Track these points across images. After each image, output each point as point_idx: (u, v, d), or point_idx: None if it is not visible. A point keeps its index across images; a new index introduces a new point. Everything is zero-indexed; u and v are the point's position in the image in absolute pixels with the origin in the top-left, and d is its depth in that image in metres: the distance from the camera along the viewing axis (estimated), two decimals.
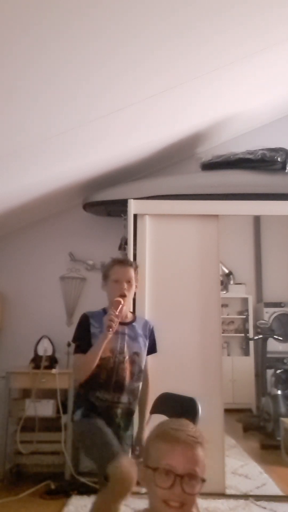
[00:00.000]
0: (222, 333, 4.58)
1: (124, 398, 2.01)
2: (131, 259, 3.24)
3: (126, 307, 2.09)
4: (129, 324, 2.12)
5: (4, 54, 1.62)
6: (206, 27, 2.08)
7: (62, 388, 3.32)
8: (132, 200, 3.33)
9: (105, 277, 2.14)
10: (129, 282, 2.08)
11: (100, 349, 1.93)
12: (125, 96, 2.40)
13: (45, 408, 3.31)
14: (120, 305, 1.97)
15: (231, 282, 6.03)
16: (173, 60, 2.26)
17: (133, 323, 2.14)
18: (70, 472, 3.21)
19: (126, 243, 3.41)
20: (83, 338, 2.03)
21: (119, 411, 2.00)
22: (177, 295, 3.28)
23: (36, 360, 3.41)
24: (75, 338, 2.07)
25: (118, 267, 2.11)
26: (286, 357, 5.07)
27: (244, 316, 6.08)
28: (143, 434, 2.13)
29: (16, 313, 3.78)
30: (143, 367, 2.12)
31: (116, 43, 1.87)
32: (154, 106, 2.70)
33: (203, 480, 1.07)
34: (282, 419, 3.92)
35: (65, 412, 3.29)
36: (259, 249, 6.08)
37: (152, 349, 2.22)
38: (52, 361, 3.44)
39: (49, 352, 3.45)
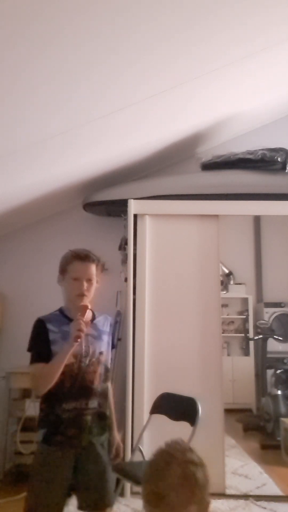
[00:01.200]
0: (222, 333, 4.58)
1: (93, 403, 1.82)
2: (131, 259, 3.24)
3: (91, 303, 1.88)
4: (90, 322, 1.92)
5: (3, 54, 1.62)
6: (206, 27, 2.08)
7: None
8: (132, 200, 3.33)
9: (63, 271, 1.92)
10: (90, 280, 1.87)
11: (65, 360, 1.73)
12: (125, 96, 2.40)
13: None
14: (87, 310, 1.80)
15: (231, 282, 6.03)
16: (173, 60, 2.26)
17: (95, 321, 1.94)
18: None
19: (126, 243, 3.41)
20: (41, 346, 1.80)
21: (88, 417, 1.80)
22: (177, 295, 3.28)
23: None
24: (31, 347, 1.83)
25: (78, 263, 1.88)
26: (286, 357, 5.07)
27: (244, 316, 6.08)
28: (115, 433, 1.97)
29: (16, 313, 3.78)
30: (108, 365, 1.93)
31: (116, 43, 1.87)
32: (154, 106, 2.70)
33: None
34: (282, 419, 3.92)
35: None
36: (259, 249, 6.08)
37: (112, 345, 2.00)
38: None
39: None
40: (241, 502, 2.90)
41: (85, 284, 1.86)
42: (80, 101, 2.24)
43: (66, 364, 1.75)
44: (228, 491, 3.02)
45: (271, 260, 6.03)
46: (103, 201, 3.54)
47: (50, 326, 1.84)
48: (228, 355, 5.99)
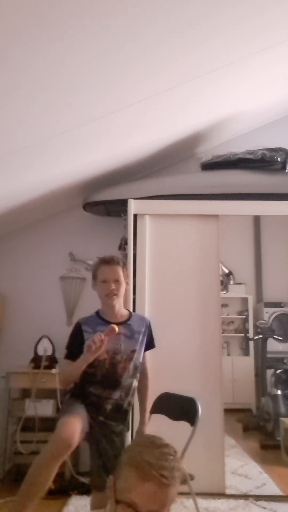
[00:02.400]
0: (222, 333, 4.59)
1: (116, 394, 2.05)
2: (131, 259, 3.24)
3: (119, 305, 2.12)
4: (124, 323, 2.13)
5: (3, 55, 1.62)
6: (206, 27, 2.08)
7: (61, 387, 3.32)
8: (132, 200, 3.33)
9: (94, 277, 2.16)
10: (117, 281, 2.09)
11: (81, 367, 1.96)
12: (125, 96, 2.40)
13: (45, 408, 3.31)
14: (114, 333, 1.98)
15: (231, 282, 6.03)
16: (173, 60, 2.26)
17: (129, 322, 2.14)
18: (70, 472, 3.20)
19: (126, 243, 3.41)
20: (73, 346, 2.08)
21: (108, 406, 2.04)
22: (177, 295, 3.28)
23: (36, 360, 3.41)
24: (67, 345, 2.13)
25: (105, 267, 2.11)
26: (286, 357, 5.07)
27: (244, 316, 6.08)
28: (144, 428, 2.20)
29: (16, 313, 3.78)
30: (138, 363, 2.14)
31: (115, 43, 1.87)
32: (154, 106, 2.70)
33: None
34: (282, 419, 3.92)
35: None
36: (259, 249, 6.08)
37: (150, 345, 2.24)
38: (52, 361, 3.43)
39: (49, 352, 3.45)
40: (241, 502, 2.90)
41: (113, 285, 2.07)
42: (80, 101, 2.24)
43: (99, 360, 2.00)
44: (228, 491, 3.02)
45: (271, 260, 6.03)
46: (103, 201, 3.53)
47: (85, 328, 2.09)
48: (228, 355, 5.99)
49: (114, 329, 1.98)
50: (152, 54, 2.11)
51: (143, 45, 2.01)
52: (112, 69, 2.07)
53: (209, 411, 2.83)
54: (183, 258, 3.34)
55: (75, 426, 1.83)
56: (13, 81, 1.81)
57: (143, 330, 2.17)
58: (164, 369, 3.15)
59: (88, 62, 1.93)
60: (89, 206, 3.65)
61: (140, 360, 2.15)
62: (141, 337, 2.15)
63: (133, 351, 2.10)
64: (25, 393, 3.44)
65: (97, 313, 2.16)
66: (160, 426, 2.53)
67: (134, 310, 3.21)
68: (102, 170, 3.41)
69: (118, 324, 2.08)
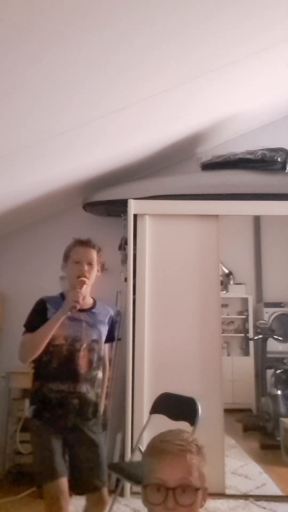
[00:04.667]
0: (222, 333, 4.58)
1: (82, 388, 1.90)
2: (131, 259, 3.24)
3: (86, 290, 1.97)
4: (87, 310, 2.01)
5: (4, 55, 1.62)
6: (206, 27, 2.08)
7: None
8: (132, 200, 3.33)
9: (66, 257, 2.06)
10: (90, 264, 1.98)
11: (53, 328, 1.84)
12: (125, 96, 2.40)
13: None
14: (85, 285, 1.90)
15: (231, 282, 6.03)
16: (173, 60, 2.26)
17: (93, 310, 2.02)
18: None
19: (126, 243, 3.41)
20: (35, 321, 1.92)
21: (75, 401, 1.89)
22: (177, 295, 3.28)
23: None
24: (28, 321, 1.96)
25: (80, 248, 2.01)
26: (286, 357, 5.07)
27: (244, 316, 6.08)
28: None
29: (16, 313, 3.77)
30: (101, 354, 2.00)
31: (115, 43, 1.87)
32: (154, 106, 2.70)
33: (198, 489, 1.00)
34: (282, 419, 3.92)
35: None
36: (259, 249, 6.08)
37: (110, 337, 2.09)
38: None
39: None
40: (241, 502, 2.90)
41: (86, 267, 1.97)
42: (80, 101, 2.24)
43: (55, 345, 1.87)
44: (228, 491, 3.02)
45: (271, 260, 6.03)
46: (103, 201, 3.53)
47: (49, 306, 1.95)
48: (228, 355, 5.99)
49: (84, 281, 1.90)
50: (152, 54, 2.11)
51: (143, 45, 2.01)
52: (112, 70, 2.07)
53: (209, 411, 2.83)
54: (183, 258, 3.34)
55: (62, 492, 1.74)
56: (13, 81, 1.81)
57: (106, 320, 2.05)
58: (164, 369, 3.15)
59: (88, 62, 1.93)
60: (89, 206, 3.65)
61: (104, 351, 2.03)
62: (103, 327, 2.03)
63: (95, 341, 1.97)
64: (25, 393, 3.43)
65: (62, 294, 2.04)
66: (160, 426, 2.53)
67: (134, 310, 3.21)
68: (102, 170, 3.41)
69: (83, 310, 1.97)
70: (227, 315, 6.08)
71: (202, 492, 1.02)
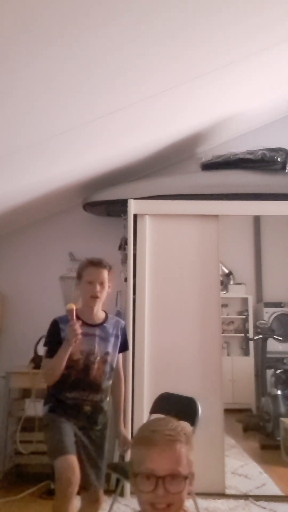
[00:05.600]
0: (222, 333, 4.58)
1: (96, 397, 2.06)
2: (131, 259, 3.24)
3: (97, 307, 2.13)
4: (100, 325, 2.14)
5: (3, 55, 1.62)
6: (206, 27, 2.08)
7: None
8: (132, 200, 3.33)
9: (79, 276, 2.16)
10: (102, 284, 2.10)
11: (64, 356, 1.97)
12: (125, 96, 2.40)
13: None
14: (73, 313, 2.01)
15: (231, 282, 6.03)
16: (173, 60, 2.26)
17: (104, 324, 2.16)
18: None
19: (126, 243, 3.41)
20: (51, 343, 2.07)
21: (88, 408, 2.05)
22: (177, 295, 3.28)
23: (36, 360, 3.41)
24: (46, 343, 2.12)
25: (92, 269, 2.12)
26: (286, 357, 5.07)
27: (244, 316, 6.08)
28: (122, 427, 2.21)
29: (16, 313, 3.78)
30: (113, 365, 2.15)
31: (115, 43, 1.87)
32: (154, 106, 2.70)
33: (186, 477, 1.05)
34: (282, 419, 3.92)
35: None
36: (259, 249, 6.08)
37: (124, 347, 2.24)
38: None
39: None
40: (241, 502, 2.90)
41: (98, 287, 2.09)
42: (80, 101, 2.24)
43: (73, 360, 2.02)
44: (228, 491, 3.02)
45: (271, 260, 6.03)
46: (103, 201, 3.53)
47: (62, 326, 2.07)
48: (228, 355, 5.99)
49: (71, 310, 2.02)
50: (152, 54, 2.11)
51: (142, 46, 2.01)
52: (112, 69, 2.07)
53: (209, 411, 2.83)
54: (183, 258, 3.34)
55: (72, 466, 1.84)
56: (13, 81, 1.81)
57: (117, 332, 2.19)
58: (164, 369, 3.15)
59: (88, 62, 1.93)
60: (89, 206, 3.65)
61: (115, 362, 2.17)
62: (114, 340, 2.16)
63: (107, 353, 2.11)
64: (25, 393, 3.44)
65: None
66: None
67: (134, 310, 3.21)
68: (102, 170, 3.41)
69: (95, 325, 2.11)
70: (227, 315, 6.08)
71: (191, 478, 1.07)
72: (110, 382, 2.14)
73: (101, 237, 3.85)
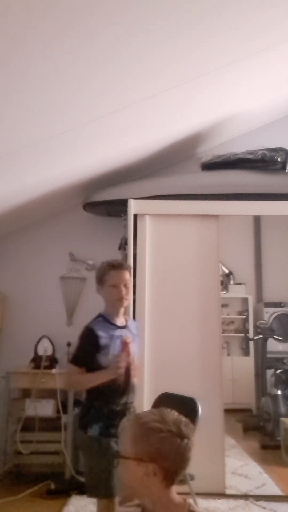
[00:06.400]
0: (222, 333, 4.58)
1: (132, 397, 2.08)
2: (131, 259, 3.24)
3: (123, 310, 2.14)
4: (125, 327, 2.14)
5: (5, 55, 1.62)
6: (206, 27, 2.08)
7: (62, 388, 3.32)
8: (132, 200, 3.32)
9: (101, 282, 2.12)
10: (126, 285, 2.10)
11: (99, 381, 1.95)
12: (125, 96, 2.40)
13: (45, 408, 3.31)
14: (127, 345, 1.98)
15: (231, 282, 6.02)
16: (173, 60, 2.26)
17: (128, 325, 2.17)
18: (70, 472, 3.20)
19: (126, 243, 3.41)
20: (85, 353, 2.01)
21: (132, 409, 2.08)
22: (177, 295, 3.28)
23: (36, 360, 3.41)
24: (78, 351, 2.06)
25: (114, 272, 2.10)
26: (286, 357, 5.07)
27: (244, 316, 6.08)
28: None
29: (16, 313, 3.78)
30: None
31: (116, 44, 1.87)
32: (154, 106, 2.70)
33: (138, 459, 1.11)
34: (282, 419, 3.92)
35: (65, 412, 3.28)
36: (259, 249, 6.08)
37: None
38: (52, 361, 3.44)
39: (49, 352, 3.45)
40: (241, 502, 2.90)
41: (123, 290, 2.08)
42: (81, 101, 2.24)
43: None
44: (228, 491, 3.02)
45: (271, 260, 6.03)
46: (103, 201, 3.53)
47: (100, 333, 2.02)
48: (228, 355, 5.99)
49: (127, 342, 1.99)
50: (152, 54, 2.11)
51: (143, 46, 2.01)
52: (112, 70, 2.07)
53: (209, 411, 2.83)
54: (183, 258, 3.34)
55: (114, 510, 1.88)
56: (14, 81, 1.81)
57: (137, 331, 2.22)
58: (164, 369, 3.15)
59: (89, 62, 1.93)
60: (89, 206, 3.65)
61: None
62: (137, 339, 2.19)
63: (134, 352, 2.11)
64: (25, 393, 3.44)
65: (103, 317, 2.12)
66: None
67: (134, 310, 3.21)
68: (102, 170, 3.41)
69: (123, 327, 2.11)
70: (227, 315, 6.08)
71: (152, 469, 1.10)
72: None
73: (101, 237, 3.85)
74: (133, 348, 2.09)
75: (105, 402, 2.00)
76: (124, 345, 1.98)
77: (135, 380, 2.12)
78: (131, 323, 2.21)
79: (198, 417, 2.24)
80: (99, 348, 1.99)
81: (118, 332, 2.03)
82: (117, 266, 2.12)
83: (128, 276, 2.12)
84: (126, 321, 2.18)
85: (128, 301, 2.14)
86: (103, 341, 2.01)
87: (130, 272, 2.16)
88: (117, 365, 1.93)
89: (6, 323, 3.75)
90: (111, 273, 2.10)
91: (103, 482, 1.89)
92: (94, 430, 1.97)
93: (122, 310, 2.12)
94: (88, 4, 1.55)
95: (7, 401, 3.35)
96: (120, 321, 2.11)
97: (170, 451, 1.10)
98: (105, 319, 2.09)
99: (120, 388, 2.02)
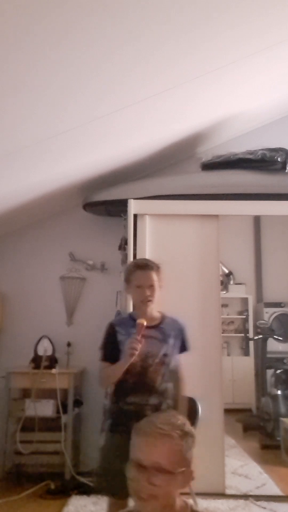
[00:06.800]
0: (222, 333, 4.58)
1: (154, 400, 2.00)
2: (131, 259, 3.24)
3: (151, 309, 2.10)
4: (157, 326, 2.09)
5: (9, 56, 1.62)
6: (207, 27, 2.08)
7: (62, 388, 3.32)
8: (132, 200, 3.32)
9: (127, 281, 2.12)
10: (151, 286, 2.06)
11: (120, 370, 1.96)
12: (126, 96, 2.40)
13: (45, 408, 3.31)
14: (143, 327, 1.95)
15: (231, 282, 6.03)
16: (174, 60, 2.26)
17: (161, 325, 2.11)
18: (70, 472, 3.21)
19: (126, 243, 3.41)
20: (107, 347, 2.06)
21: (148, 412, 1.96)
22: (177, 295, 3.28)
23: (36, 360, 3.41)
24: (102, 347, 2.09)
25: (139, 272, 2.08)
26: (286, 357, 5.07)
27: (244, 316, 6.08)
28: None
29: (16, 313, 3.78)
30: (172, 367, 2.10)
31: (116, 43, 1.87)
32: (155, 106, 2.70)
33: (173, 473, 1.04)
34: (282, 419, 3.92)
35: (65, 412, 3.29)
36: (259, 249, 6.08)
37: (183, 348, 2.18)
38: (52, 361, 3.44)
39: (49, 352, 3.45)
40: (241, 502, 2.90)
41: (147, 291, 2.05)
42: (81, 101, 2.24)
43: (131, 363, 1.95)
44: (228, 491, 3.02)
45: (271, 260, 6.03)
46: (103, 201, 3.53)
47: (119, 329, 2.07)
48: (228, 355, 5.99)
49: (142, 324, 1.95)
50: (152, 54, 2.11)
51: (143, 46, 2.01)
52: (112, 70, 2.07)
53: (209, 411, 2.83)
54: (183, 258, 3.34)
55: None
56: (15, 81, 1.81)
57: (175, 333, 2.13)
58: None
59: (89, 63, 1.93)
60: (89, 206, 3.65)
61: (175, 364, 2.12)
62: (173, 341, 2.10)
63: (165, 355, 2.06)
64: (25, 393, 3.44)
65: (131, 315, 2.14)
66: None
67: (134, 310, 3.20)
68: (102, 170, 3.41)
69: (151, 327, 2.05)
70: (227, 315, 6.08)
71: (185, 476, 1.07)
72: (169, 384, 2.07)
73: (101, 237, 3.85)
74: (162, 348, 2.05)
75: (116, 399, 2.02)
76: (139, 327, 1.94)
77: (167, 384, 2.05)
78: (169, 322, 2.14)
79: (198, 417, 2.24)
80: (118, 343, 2.01)
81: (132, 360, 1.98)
82: (142, 266, 2.09)
83: (154, 276, 2.08)
84: (161, 320, 2.12)
85: (153, 302, 2.08)
86: (120, 336, 2.03)
87: (157, 272, 2.11)
88: (129, 346, 1.90)
89: (6, 323, 3.75)
90: (136, 273, 2.08)
91: (114, 480, 1.86)
92: (106, 425, 2.06)
93: (150, 310, 2.08)
94: (88, 4, 1.55)
95: (7, 401, 3.34)
96: (148, 321, 2.04)
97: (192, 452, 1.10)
98: (131, 318, 2.10)
99: (130, 386, 1.99)
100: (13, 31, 1.52)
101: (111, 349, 2.03)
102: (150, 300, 2.06)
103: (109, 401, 2.06)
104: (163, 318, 2.14)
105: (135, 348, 1.90)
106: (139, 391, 2.00)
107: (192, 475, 1.10)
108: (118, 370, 1.96)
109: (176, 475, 1.05)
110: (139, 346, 1.91)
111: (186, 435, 1.10)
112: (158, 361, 2.03)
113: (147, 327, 2.00)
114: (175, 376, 2.13)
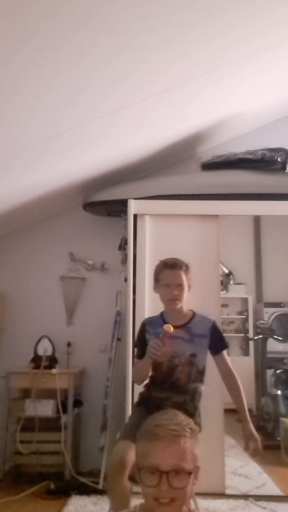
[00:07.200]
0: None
1: (179, 398, 2.01)
2: (131, 259, 3.24)
3: (180, 308, 2.10)
4: (183, 326, 2.08)
5: (10, 56, 1.62)
6: (207, 27, 2.08)
7: (62, 388, 3.32)
8: (132, 200, 3.32)
9: (156, 280, 2.15)
10: (180, 285, 2.07)
11: (144, 367, 2.02)
12: (126, 96, 2.40)
13: (45, 408, 3.31)
14: (169, 334, 1.93)
15: (231, 282, 6.02)
16: (174, 60, 2.26)
17: (189, 324, 2.09)
18: (70, 472, 3.21)
19: (126, 243, 3.41)
20: (138, 344, 2.14)
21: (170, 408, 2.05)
22: None
23: (36, 360, 3.42)
24: (135, 344, 2.21)
25: (167, 271, 2.10)
26: (286, 357, 5.07)
27: (244, 316, 6.07)
28: (249, 426, 2.08)
29: (16, 313, 3.78)
30: (201, 367, 2.09)
31: (116, 43, 1.87)
32: (154, 106, 2.70)
33: (190, 473, 1.05)
34: (282, 419, 3.92)
35: (65, 412, 3.29)
36: (259, 249, 6.07)
37: (220, 345, 2.18)
38: (52, 361, 3.44)
39: (49, 352, 3.45)
40: (241, 502, 2.90)
41: (175, 290, 2.06)
42: (81, 101, 2.24)
43: (158, 362, 2.01)
44: (227, 491, 3.02)
45: (271, 260, 6.02)
46: (103, 201, 3.53)
47: (148, 328, 2.12)
48: (228, 355, 5.95)
49: (167, 331, 1.94)
50: (153, 55, 2.11)
51: (144, 46, 2.01)
52: (112, 70, 2.07)
53: (209, 411, 2.83)
54: (183, 258, 3.32)
55: (126, 449, 1.88)
56: (15, 81, 1.81)
57: (204, 332, 2.10)
58: None
59: (90, 63, 1.93)
60: (89, 206, 3.65)
61: (204, 364, 2.10)
62: (201, 340, 2.09)
63: (193, 355, 2.05)
64: (25, 393, 3.44)
65: (162, 314, 2.16)
66: None
67: (134, 310, 3.21)
68: (102, 170, 3.41)
69: (178, 327, 2.03)
70: (227, 315, 6.08)
71: (195, 472, 1.08)
72: (198, 385, 2.09)
73: (101, 237, 3.85)
74: (189, 348, 2.04)
75: (147, 389, 2.10)
76: (164, 333, 1.93)
77: (197, 384, 2.08)
78: (197, 322, 2.11)
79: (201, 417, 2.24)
80: (145, 341, 2.04)
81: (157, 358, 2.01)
82: (171, 266, 2.11)
83: (182, 275, 2.09)
84: (190, 319, 2.11)
85: (182, 302, 2.08)
86: (148, 335, 2.07)
87: (186, 272, 2.13)
88: (152, 346, 1.92)
89: (6, 323, 3.75)
90: (165, 272, 2.11)
91: (127, 427, 2.05)
92: (137, 401, 2.17)
93: (179, 309, 2.08)
94: (89, 4, 1.55)
95: (7, 401, 3.35)
96: (177, 320, 2.05)
97: None
98: (162, 317, 2.12)
99: (156, 383, 2.05)
100: (14, 32, 1.52)
101: (140, 347, 2.09)
102: (178, 299, 2.06)
103: (142, 391, 2.13)
104: (193, 316, 2.13)
105: (154, 353, 1.91)
106: (165, 389, 2.03)
107: (199, 470, 1.11)
108: (141, 368, 2.04)
109: (191, 474, 1.06)
110: (159, 351, 1.92)
111: (194, 432, 1.12)
112: (184, 361, 2.03)
113: (174, 327, 1.98)
114: (224, 374, 2.16)
